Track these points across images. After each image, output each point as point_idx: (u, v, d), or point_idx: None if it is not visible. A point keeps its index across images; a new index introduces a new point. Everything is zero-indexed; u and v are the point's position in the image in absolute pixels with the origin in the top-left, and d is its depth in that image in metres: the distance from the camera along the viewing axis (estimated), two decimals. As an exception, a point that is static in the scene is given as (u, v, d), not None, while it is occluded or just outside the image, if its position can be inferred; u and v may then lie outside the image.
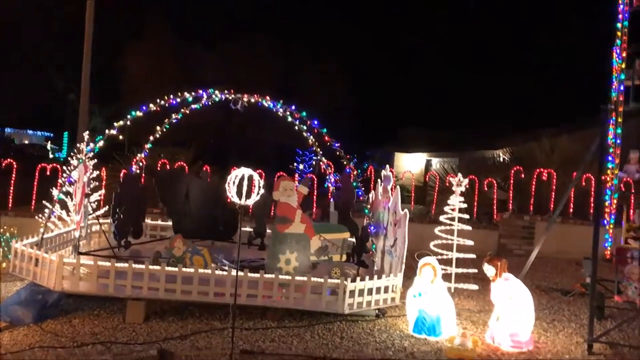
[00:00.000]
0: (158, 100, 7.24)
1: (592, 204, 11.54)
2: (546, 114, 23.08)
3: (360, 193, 7.05)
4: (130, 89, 30.24)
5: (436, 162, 29.65)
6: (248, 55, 30.93)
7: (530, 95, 29.19)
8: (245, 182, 5.07)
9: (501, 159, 17.39)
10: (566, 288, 8.39)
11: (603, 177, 6.00)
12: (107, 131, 7.02)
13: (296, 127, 8.30)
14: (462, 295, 7.65)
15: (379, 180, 8.50)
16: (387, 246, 7.50)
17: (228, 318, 6.16)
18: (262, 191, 5.17)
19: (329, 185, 10.46)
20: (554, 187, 12.04)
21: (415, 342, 5.76)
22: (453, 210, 7.31)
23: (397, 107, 36.77)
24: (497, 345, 5.67)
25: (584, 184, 11.84)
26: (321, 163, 9.32)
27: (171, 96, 7.31)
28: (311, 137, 8.70)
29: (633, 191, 11.58)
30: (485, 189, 12.15)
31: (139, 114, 7.08)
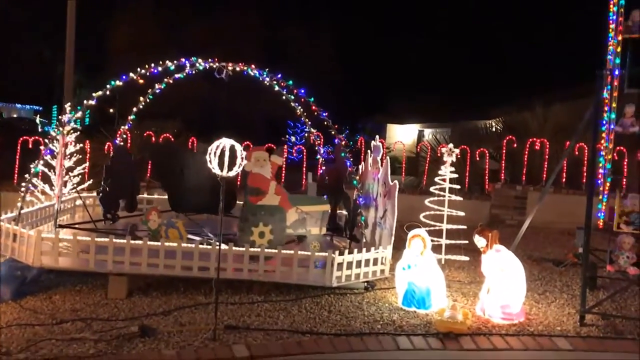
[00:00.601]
0: (139, 69, 6.97)
1: (585, 174, 11.49)
2: (540, 83, 22.79)
3: (349, 164, 6.86)
4: (118, 61, 29.69)
5: (429, 133, 29.43)
6: (235, 24, 30.34)
7: (524, 64, 28.88)
8: (227, 153, 4.87)
9: (494, 129, 17.23)
10: (558, 258, 8.29)
11: (597, 145, 5.82)
12: (85, 102, 6.77)
13: (283, 97, 8.06)
14: (453, 266, 7.54)
15: (368, 151, 8.33)
16: (377, 218, 7.36)
17: (213, 293, 6.04)
18: (244, 162, 4.97)
19: (320, 157, 10.27)
20: (547, 156, 11.91)
21: (404, 315, 5.64)
22: (444, 181, 7.14)
23: (389, 78, 36.31)
24: (488, 317, 5.57)
25: (577, 153, 11.71)
26: (310, 134, 9.11)
27: (152, 65, 7.03)
28: (299, 107, 8.48)
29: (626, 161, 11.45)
30: (477, 159, 11.99)
31: (118, 83, 6.82)
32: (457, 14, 33.92)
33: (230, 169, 4.91)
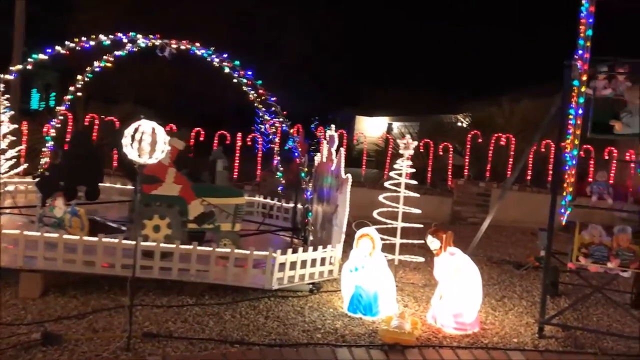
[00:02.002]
0: (67, 43, 6.28)
1: (551, 171, 11.13)
2: (509, 79, 22.56)
3: (296, 155, 6.29)
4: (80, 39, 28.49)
5: (397, 126, 29.09)
6: (204, 8, 29.35)
7: (493, 59, 28.62)
8: (147, 137, 4.25)
9: (461, 124, 16.89)
10: (519, 261, 7.89)
11: (563, 144, 5.36)
12: (1, 75, 6.05)
13: (235, 80, 7.45)
14: (407, 267, 7.06)
15: (324, 142, 7.78)
16: (330, 213, 6.83)
17: (141, 292, 5.44)
18: (167, 148, 4.36)
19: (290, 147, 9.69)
20: (512, 153, 11.52)
21: (348, 323, 5.12)
22: (400, 175, 6.62)
23: (361, 70, 35.83)
24: (440, 326, 5.08)
25: (543, 150, 11.35)
26: (265, 121, 8.52)
27: (83, 39, 6.35)
28: (252, 91, 7.88)
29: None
30: (441, 153, 11.54)
31: (42, 57, 6.12)
32: (428, 9, 33.51)
33: (150, 155, 4.29)
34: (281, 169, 8.91)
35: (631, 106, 4.90)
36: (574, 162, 5.22)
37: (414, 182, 6.67)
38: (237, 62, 6.65)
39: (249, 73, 6.61)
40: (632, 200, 5.86)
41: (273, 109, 6.44)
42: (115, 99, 16.77)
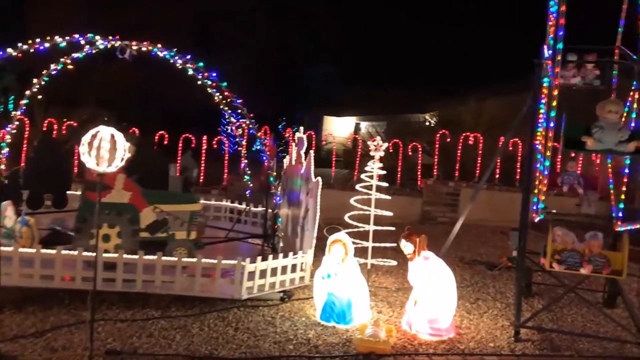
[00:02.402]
0: (20, 45, 5.96)
1: (520, 170, 11.17)
2: (475, 77, 22.73)
3: (264, 159, 6.09)
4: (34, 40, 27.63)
5: (365, 126, 29.09)
6: (168, 10, 28.87)
7: (461, 58, 28.85)
8: (106, 144, 4.01)
9: (429, 123, 16.91)
10: (491, 261, 7.84)
11: (535, 142, 5.30)
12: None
13: (199, 82, 7.21)
14: (380, 271, 6.93)
15: (293, 144, 7.61)
16: (300, 218, 6.67)
17: (103, 306, 5.18)
18: (127, 155, 4.13)
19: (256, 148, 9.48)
20: (480, 152, 11.52)
21: (322, 332, 4.95)
22: (371, 177, 6.49)
23: (327, 70, 35.72)
24: (415, 333, 4.95)
25: (511, 148, 11.37)
26: (231, 123, 8.30)
27: (37, 40, 6.04)
28: (217, 94, 7.65)
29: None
30: (410, 153, 11.47)
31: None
32: (396, 8, 33.61)
33: (110, 163, 4.05)
34: (249, 172, 8.70)
35: (602, 121, 4.85)
36: (546, 172, 5.16)
37: (385, 184, 6.54)
38: (200, 64, 6.42)
39: (214, 75, 6.40)
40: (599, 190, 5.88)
41: (239, 111, 6.23)
42: (76, 102, 16.25)
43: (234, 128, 8.62)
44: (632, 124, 5.43)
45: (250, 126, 6.20)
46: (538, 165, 5.30)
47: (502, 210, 10.25)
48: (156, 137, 10.51)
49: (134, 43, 6.74)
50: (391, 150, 11.85)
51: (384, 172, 6.52)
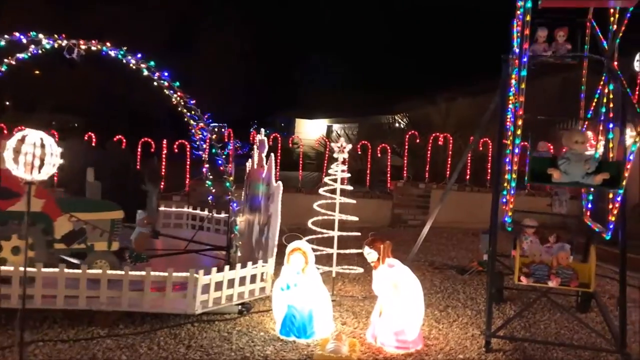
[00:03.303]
0: (-50, 44, 5.51)
1: (490, 170, 10.97)
2: (445, 77, 22.64)
3: (220, 163, 5.74)
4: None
5: (337, 128, 28.84)
6: (138, 11, 28.20)
7: (430, 59, 28.75)
8: (35, 150, 3.63)
9: (399, 125, 16.69)
10: (462, 265, 7.59)
11: (503, 141, 5.05)
12: None
13: (155, 83, 6.80)
14: (346, 279, 6.62)
15: (254, 147, 7.28)
16: (262, 225, 6.34)
17: (45, 325, 4.78)
18: (58, 161, 3.75)
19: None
20: (450, 152, 11.31)
21: (281, 348, 4.62)
22: (335, 181, 6.18)
23: (300, 72, 35.44)
24: (380, 345, 4.65)
25: (481, 148, 11.19)
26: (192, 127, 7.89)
27: (-29, 39, 5.59)
28: (175, 95, 7.25)
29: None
30: (379, 155, 11.20)
31: None
32: (366, 10, 33.43)
33: (40, 170, 3.67)
34: (210, 177, 8.31)
35: (569, 153, 4.66)
36: (513, 183, 4.93)
37: (350, 187, 6.24)
38: (152, 63, 6.03)
39: (166, 74, 6.01)
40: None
41: (193, 112, 5.86)
42: (33, 106, 15.66)
43: (194, 131, 8.21)
44: (602, 119, 5.25)
45: (204, 128, 5.84)
46: (507, 176, 5.07)
47: (473, 212, 10.01)
48: (115, 141, 10.07)
49: (81, 42, 6.32)
50: (359, 152, 11.59)
51: (349, 175, 6.21)
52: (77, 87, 22.99)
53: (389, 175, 11.32)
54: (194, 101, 5.89)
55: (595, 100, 5.57)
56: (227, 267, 5.20)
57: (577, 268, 5.03)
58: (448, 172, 11.05)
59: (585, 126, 5.86)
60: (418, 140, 11.35)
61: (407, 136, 11.43)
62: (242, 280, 5.34)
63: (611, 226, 4.84)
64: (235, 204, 5.58)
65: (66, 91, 22.41)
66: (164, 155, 9.82)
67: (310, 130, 31.13)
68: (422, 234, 6.25)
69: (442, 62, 27.44)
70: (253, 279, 5.45)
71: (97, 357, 4.30)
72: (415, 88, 20.89)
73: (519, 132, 4.84)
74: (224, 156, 5.74)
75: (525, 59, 4.39)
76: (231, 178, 5.73)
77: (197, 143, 7.46)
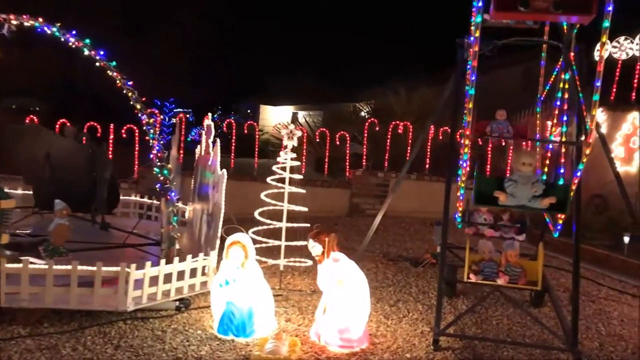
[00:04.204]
0: None
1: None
2: (410, 65, 22.53)
3: (158, 149, 5.36)
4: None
5: (302, 115, 28.51)
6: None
7: (394, 46, 28.63)
8: None
9: (363, 113, 16.48)
10: (417, 256, 7.39)
11: (459, 131, 4.81)
12: None
13: (97, 64, 6.36)
14: (296, 272, 6.35)
15: (202, 133, 6.92)
16: (207, 215, 6.01)
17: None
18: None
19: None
20: (410, 141, 11.11)
21: (217, 348, 4.32)
22: (283, 169, 5.89)
23: (264, 58, 34.97)
24: (324, 344, 4.39)
25: (441, 137, 11.03)
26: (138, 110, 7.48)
27: None
28: (119, 78, 6.81)
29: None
30: (337, 143, 10.92)
31: None
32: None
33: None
34: (159, 164, 7.91)
35: (517, 174, 4.49)
36: (463, 187, 4.71)
37: (300, 176, 5.95)
38: (87, 41, 5.61)
39: (102, 53, 5.60)
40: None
41: (130, 94, 5.47)
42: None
43: (144, 117, 7.80)
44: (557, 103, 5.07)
45: (142, 112, 5.45)
46: (459, 173, 4.86)
47: (432, 201, 9.78)
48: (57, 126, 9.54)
49: (12, 17, 5.86)
50: (318, 140, 11.32)
51: (298, 163, 5.92)
52: (37, 69, 22.10)
53: (347, 163, 11.07)
54: (131, 82, 5.48)
55: (545, 89, 5.45)
56: (163, 261, 4.87)
57: (526, 266, 4.97)
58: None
59: (538, 116, 5.72)
60: (377, 129, 11.11)
61: (367, 124, 11.17)
62: (181, 275, 5.02)
63: (559, 227, 4.70)
64: (174, 193, 5.23)
65: (25, 74, 21.53)
66: (111, 140, 9.35)
67: (275, 117, 30.78)
68: (373, 224, 6.00)
69: (407, 50, 27.34)
70: (193, 273, 5.14)
71: (12, 359, 3.94)
72: (380, 76, 20.70)
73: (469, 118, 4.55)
74: (162, 142, 5.36)
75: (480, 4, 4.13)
76: (169, 165, 5.36)
77: (144, 128, 7.05)
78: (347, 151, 11.03)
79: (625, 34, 10.08)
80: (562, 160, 4.93)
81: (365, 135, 11.05)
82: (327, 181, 10.88)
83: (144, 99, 5.49)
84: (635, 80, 9.75)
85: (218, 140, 6.08)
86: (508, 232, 5.15)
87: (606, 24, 3.98)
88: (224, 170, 5.66)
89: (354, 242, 7.91)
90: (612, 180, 8.29)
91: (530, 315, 5.05)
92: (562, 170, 4.87)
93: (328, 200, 10.57)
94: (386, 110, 13.39)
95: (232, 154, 10.32)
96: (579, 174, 4.35)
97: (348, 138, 10.93)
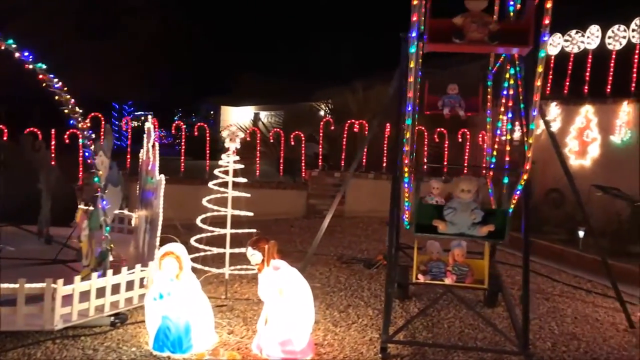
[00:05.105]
0: None
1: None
2: (364, 64, 22.46)
3: (88, 154, 5.04)
4: None
5: (264, 116, 28.17)
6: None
7: (349, 45, 28.53)
8: None
9: (322, 112, 16.26)
10: (371, 258, 7.21)
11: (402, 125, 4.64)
12: None
13: (29, 66, 5.96)
14: (244, 280, 6.10)
15: (144, 136, 6.61)
16: (148, 222, 5.73)
17: None
18: None
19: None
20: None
21: (152, 365, 4.05)
22: (227, 173, 5.62)
23: (225, 58, 34.47)
24: (266, 357, 4.15)
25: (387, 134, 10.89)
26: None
27: None
28: (54, 79, 6.42)
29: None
30: (292, 143, 10.68)
31: None
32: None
33: None
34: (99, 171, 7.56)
35: (456, 202, 4.39)
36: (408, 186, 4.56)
37: (244, 179, 5.70)
38: (10, 41, 5.24)
39: (26, 54, 5.24)
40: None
41: (57, 97, 5.12)
42: None
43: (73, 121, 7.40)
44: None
45: (71, 115, 5.11)
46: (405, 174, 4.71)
47: (389, 200, 9.70)
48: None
49: None
50: (272, 141, 11.08)
51: (242, 166, 5.67)
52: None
53: (303, 164, 10.84)
54: (59, 84, 5.14)
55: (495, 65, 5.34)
56: (94, 275, 4.56)
57: (473, 265, 4.92)
58: (365, 161, 10.67)
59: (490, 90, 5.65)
60: (333, 128, 10.90)
61: (322, 124, 10.96)
62: (116, 289, 4.72)
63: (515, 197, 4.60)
64: (105, 202, 4.91)
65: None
66: (52, 146, 8.94)
67: (236, 118, 30.36)
68: (322, 227, 5.78)
69: (365, 49, 27.28)
70: (130, 285, 4.85)
71: None
72: (339, 74, 20.59)
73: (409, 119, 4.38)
74: (91, 148, 5.04)
75: (414, 34, 3.94)
76: (99, 171, 5.04)
77: (84, 133, 6.69)
78: (303, 151, 10.80)
79: (577, 27, 10.10)
80: (508, 159, 4.82)
81: (321, 134, 10.83)
82: (282, 182, 10.65)
83: (73, 101, 5.13)
84: (587, 74, 9.74)
85: (157, 144, 5.78)
86: None
87: (542, 54, 3.85)
88: (162, 176, 5.40)
89: (308, 245, 7.67)
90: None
91: (482, 318, 4.89)
92: (507, 167, 4.75)
93: (284, 202, 10.35)
94: (344, 109, 13.20)
95: (182, 157, 10.00)
96: (517, 192, 4.33)
97: (303, 138, 10.70)
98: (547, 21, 3.70)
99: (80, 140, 5.14)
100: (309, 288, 4.31)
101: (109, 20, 29.19)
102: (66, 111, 5.05)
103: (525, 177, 4.22)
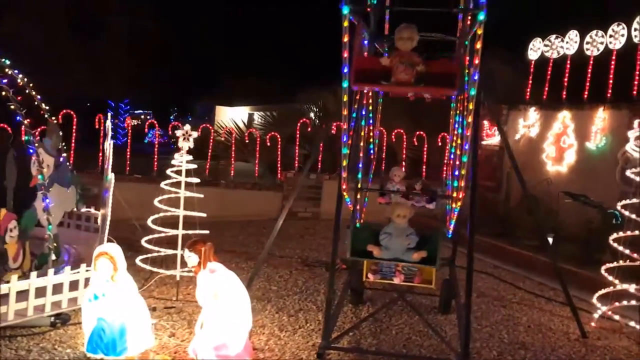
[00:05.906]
0: None
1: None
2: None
3: (32, 151, 4.95)
4: None
5: (258, 116, 28.10)
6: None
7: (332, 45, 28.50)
8: None
9: (312, 112, 16.19)
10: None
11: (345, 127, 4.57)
12: None
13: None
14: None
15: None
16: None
17: None
18: None
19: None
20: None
21: (83, 368, 3.97)
22: (178, 173, 5.55)
23: (219, 59, 34.48)
24: (201, 361, 4.08)
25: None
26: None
27: None
28: (20, 75, 6.31)
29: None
30: (268, 144, 10.61)
31: None
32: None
33: None
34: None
35: (392, 227, 4.53)
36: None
37: (197, 179, 5.63)
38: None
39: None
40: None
41: (4, 93, 5.02)
42: None
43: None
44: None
45: (17, 112, 5.01)
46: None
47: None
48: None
49: None
50: (247, 141, 11.03)
51: (195, 166, 5.60)
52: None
53: (279, 165, 10.77)
54: (5, 80, 5.05)
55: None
56: (34, 273, 4.49)
57: (422, 268, 4.87)
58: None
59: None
60: (309, 129, 10.84)
61: (299, 125, 10.89)
62: (58, 288, 4.65)
63: (452, 224, 4.55)
64: (48, 200, 4.83)
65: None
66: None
67: (231, 118, 30.30)
68: (276, 226, 5.71)
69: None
70: (74, 285, 4.77)
71: None
72: (322, 75, 20.52)
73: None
74: (36, 145, 4.96)
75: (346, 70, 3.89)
76: (44, 169, 4.96)
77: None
78: (279, 152, 10.73)
79: (557, 32, 10.03)
80: (457, 163, 4.74)
81: (298, 135, 10.77)
82: (257, 184, 10.57)
83: (19, 98, 5.04)
84: (566, 79, 9.67)
85: (112, 143, 5.71)
86: (420, 200, 5.16)
87: (473, 92, 3.78)
88: (112, 174, 5.33)
89: (277, 247, 7.60)
90: (544, 179, 8.20)
91: (429, 326, 4.80)
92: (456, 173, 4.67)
93: (259, 203, 10.27)
94: (327, 110, 13.15)
95: (155, 156, 9.94)
96: (457, 210, 4.31)
97: (279, 139, 10.64)
98: (476, 61, 3.65)
99: (26, 137, 5.01)
100: (246, 291, 4.24)
101: (106, 20, 29.19)
102: (12, 107, 4.95)
103: (459, 204, 4.21)
